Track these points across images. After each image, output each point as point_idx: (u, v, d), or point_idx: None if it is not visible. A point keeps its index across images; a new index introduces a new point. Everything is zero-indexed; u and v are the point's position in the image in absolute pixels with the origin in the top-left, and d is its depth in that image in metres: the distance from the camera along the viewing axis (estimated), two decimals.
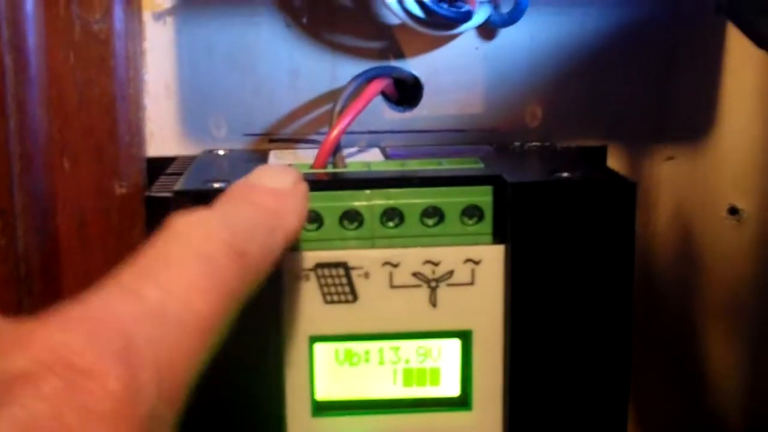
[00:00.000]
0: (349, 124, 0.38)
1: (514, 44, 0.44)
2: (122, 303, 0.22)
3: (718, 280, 0.47)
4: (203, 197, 0.33)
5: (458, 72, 0.44)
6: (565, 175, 0.35)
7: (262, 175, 0.31)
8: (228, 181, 0.34)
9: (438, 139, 0.44)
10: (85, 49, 0.41)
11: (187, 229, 0.26)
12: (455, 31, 0.42)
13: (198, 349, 0.23)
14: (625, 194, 0.35)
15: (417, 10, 0.40)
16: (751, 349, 0.47)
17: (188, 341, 0.23)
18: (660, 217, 0.47)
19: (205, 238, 0.25)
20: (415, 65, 0.44)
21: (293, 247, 0.35)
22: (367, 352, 0.37)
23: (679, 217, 0.47)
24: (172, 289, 0.23)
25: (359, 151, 0.42)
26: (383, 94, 0.43)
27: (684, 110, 0.46)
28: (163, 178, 0.38)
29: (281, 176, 0.31)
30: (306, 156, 0.41)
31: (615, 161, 0.45)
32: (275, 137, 0.44)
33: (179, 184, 0.35)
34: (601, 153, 0.44)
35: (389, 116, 0.44)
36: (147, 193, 0.35)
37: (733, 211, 0.46)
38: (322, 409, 0.37)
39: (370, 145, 0.44)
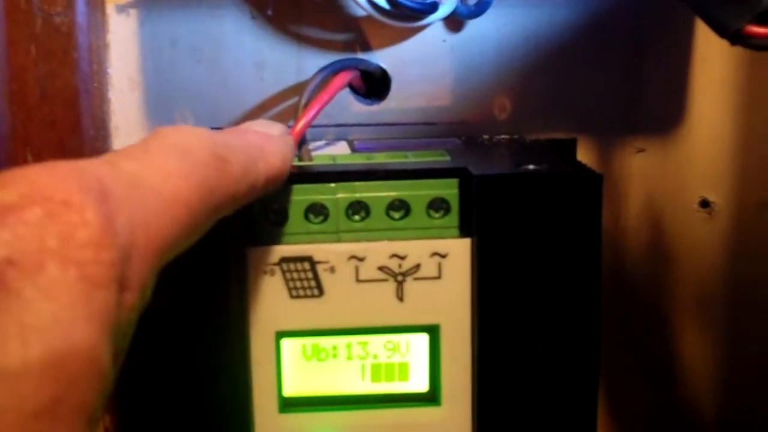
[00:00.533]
0: (314, 117, 0.37)
1: (482, 36, 0.44)
2: (102, 166, 0.22)
3: (689, 273, 0.47)
4: None
5: (426, 64, 0.44)
6: (532, 167, 0.35)
7: (251, 123, 0.34)
8: None
9: (406, 132, 0.44)
10: (47, 41, 0.40)
11: (171, 131, 0.27)
12: (422, 23, 0.41)
13: (173, 223, 0.24)
14: (591, 187, 0.35)
15: (383, 2, 0.39)
16: (723, 343, 0.47)
17: (163, 209, 0.23)
18: (631, 209, 0.47)
19: (187, 138, 0.26)
20: (382, 57, 0.43)
21: (256, 242, 0.34)
22: (334, 348, 0.36)
23: (650, 210, 0.47)
24: (150, 165, 0.24)
25: (326, 144, 0.42)
26: (351, 86, 0.42)
27: (654, 102, 0.45)
28: None
29: (269, 125, 0.33)
30: None
31: (585, 154, 0.45)
32: None
33: None
34: (570, 146, 0.43)
35: (357, 109, 0.44)
36: None
37: (704, 203, 0.46)
38: (290, 405, 0.36)
39: (338, 138, 0.43)
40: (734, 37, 0.30)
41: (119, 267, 0.21)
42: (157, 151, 0.25)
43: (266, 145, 0.31)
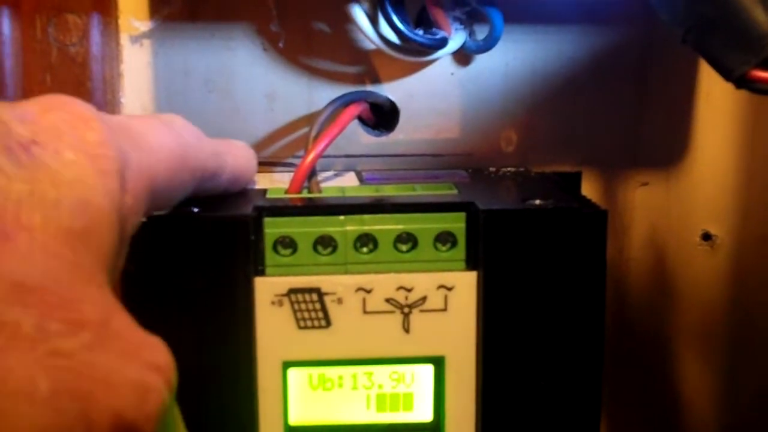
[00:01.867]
0: (324, 149, 0.38)
1: (490, 70, 0.44)
2: (105, 114, 0.26)
3: (692, 306, 0.47)
4: (180, 222, 0.34)
5: (434, 97, 0.44)
6: (538, 202, 0.36)
7: None
8: (202, 207, 0.34)
9: (414, 164, 0.45)
10: (62, 72, 0.41)
11: (161, 114, 0.33)
12: (430, 58, 0.42)
13: (159, 163, 0.28)
14: (596, 222, 0.35)
15: (392, 37, 0.40)
16: (724, 375, 0.47)
17: (151, 150, 0.27)
18: (634, 242, 0.47)
19: (172, 117, 0.32)
20: (391, 90, 0.44)
21: (265, 272, 0.35)
22: (340, 378, 0.37)
23: (653, 243, 0.47)
24: (142, 121, 0.29)
25: (335, 176, 0.43)
26: (360, 118, 0.43)
27: (658, 136, 0.46)
28: None
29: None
30: (282, 179, 0.41)
31: (590, 187, 0.45)
32: None
33: None
34: (575, 179, 0.44)
35: (365, 140, 0.44)
36: None
37: (707, 236, 0.46)
38: None
39: (346, 169, 0.44)
40: (739, 81, 0.31)
41: (120, 165, 0.24)
42: (147, 117, 0.31)
43: (233, 148, 0.36)
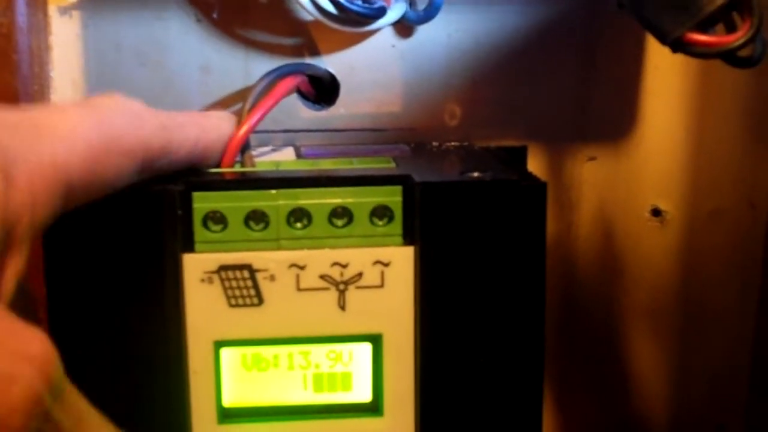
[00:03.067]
0: (257, 122, 0.37)
1: (432, 41, 0.43)
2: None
3: (641, 282, 0.47)
4: (101, 201, 0.32)
5: (375, 70, 0.43)
6: (476, 175, 0.35)
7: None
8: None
9: (355, 138, 0.44)
10: None
11: (98, 96, 0.31)
12: (370, 28, 0.41)
13: (70, 153, 0.26)
14: (535, 195, 0.34)
15: (330, 6, 0.39)
16: (673, 351, 0.47)
17: (58, 141, 0.26)
18: (582, 217, 0.46)
19: (102, 99, 0.30)
20: (331, 62, 0.43)
21: (194, 249, 0.34)
22: (276, 357, 0.36)
23: (602, 218, 0.46)
24: (53, 110, 0.28)
25: (272, 150, 0.41)
26: (299, 92, 0.42)
27: (605, 110, 0.45)
28: None
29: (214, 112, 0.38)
30: None
31: (536, 162, 0.44)
32: None
33: None
34: (521, 153, 0.43)
35: (305, 115, 0.43)
36: None
37: (656, 212, 0.46)
38: (230, 416, 0.36)
39: (286, 144, 0.43)
40: (675, 44, 0.30)
41: (1, 163, 0.23)
42: (65, 106, 0.29)
43: (202, 120, 0.35)
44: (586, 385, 0.48)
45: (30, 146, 0.25)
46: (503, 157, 0.41)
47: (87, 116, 0.28)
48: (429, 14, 0.41)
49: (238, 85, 0.42)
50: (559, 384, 0.46)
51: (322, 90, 0.43)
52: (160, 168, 0.32)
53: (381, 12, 0.39)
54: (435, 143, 0.43)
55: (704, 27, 0.30)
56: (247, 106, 0.38)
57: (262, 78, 0.39)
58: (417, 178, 0.34)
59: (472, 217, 0.34)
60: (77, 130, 0.27)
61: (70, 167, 0.26)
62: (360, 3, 0.39)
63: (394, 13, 0.40)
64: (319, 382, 0.36)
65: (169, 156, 0.32)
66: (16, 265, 0.24)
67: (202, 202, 0.34)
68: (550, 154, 0.45)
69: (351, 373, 0.36)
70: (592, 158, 0.46)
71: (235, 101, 0.42)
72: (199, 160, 0.34)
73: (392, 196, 0.35)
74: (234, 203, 0.34)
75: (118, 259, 0.33)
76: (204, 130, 0.34)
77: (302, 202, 0.34)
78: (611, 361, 0.48)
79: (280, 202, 0.34)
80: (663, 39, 0.30)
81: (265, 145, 0.42)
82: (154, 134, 0.31)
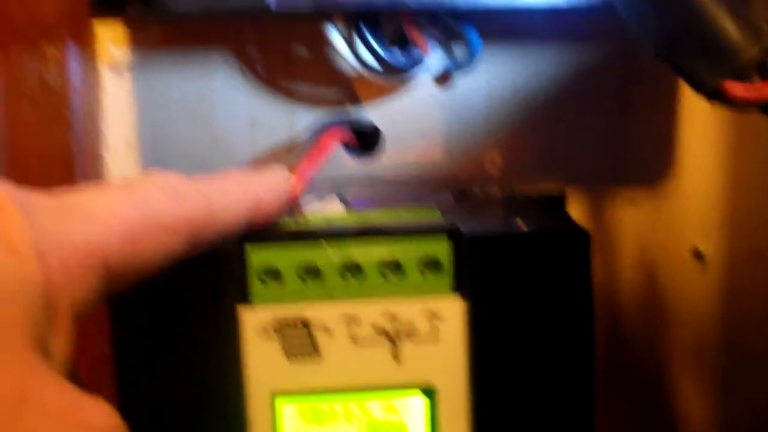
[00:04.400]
0: (307, 177, 0.38)
1: (471, 90, 0.44)
2: (38, 193, 0.26)
3: (684, 323, 0.47)
4: None
5: (417, 120, 0.44)
6: (521, 226, 0.35)
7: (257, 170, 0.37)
8: None
9: (399, 187, 0.44)
10: (42, 102, 0.40)
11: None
12: (410, 78, 0.42)
13: (107, 234, 0.26)
14: (579, 244, 0.35)
15: (370, 59, 0.40)
16: (716, 392, 0.47)
17: (95, 222, 0.26)
18: (624, 261, 0.47)
19: (139, 178, 0.30)
20: (374, 115, 0.44)
21: (250, 301, 0.35)
22: (333, 409, 0.36)
23: (643, 262, 0.47)
24: (88, 192, 0.27)
25: (318, 199, 0.42)
26: (343, 142, 0.43)
27: (642, 154, 0.46)
28: None
29: (270, 169, 0.37)
30: None
31: (576, 207, 0.45)
32: None
33: None
34: (560, 199, 0.44)
35: (349, 164, 0.44)
36: None
37: (697, 254, 0.46)
38: None
39: (331, 193, 0.44)
40: (712, 94, 0.31)
41: (38, 246, 0.23)
42: (104, 187, 0.28)
43: (257, 187, 0.34)
44: (630, 426, 0.48)
45: (63, 228, 0.25)
46: (544, 203, 0.42)
47: (123, 195, 0.28)
48: (467, 62, 0.42)
49: (284, 136, 0.43)
50: (604, 425, 0.47)
51: (366, 141, 0.43)
52: (210, 239, 0.31)
53: (419, 60, 0.40)
54: (477, 190, 0.44)
55: (740, 76, 0.30)
56: (296, 160, 0.39)
57: (308, 132, 0.40)
58: (464, 229, 0.35)
59: (519, 269, 0.35)
60: (113, 210, 0.27)
61: (106, 247, 0.26)
62: (398, 54, 0.40)
63: (433, 63, 0.41)
64: None
65: (215, 225, 0.31)
66: (63, 345, 0.25)
67: (258, 256, 0.35)
68: (589, 198, 0.46)
69: (406, 424, 0.37)
70: (632, 202, 0.46)
71: (281, 153, 0.43)
72: (255, 220, 0.34)
73: (440, 247, 0.35)
74: (288, 257, 0.35)
75: (177, 315, 0.34)
76: (251, 190, 0.34)
77: (354, 254, 0.35)
78: (655, 402, 0.48)
79: (333, 255, 0.35)
80: (699, 89, 0.31)
81: (310, 193, 0.43)
82: (194, 207, 0.30)
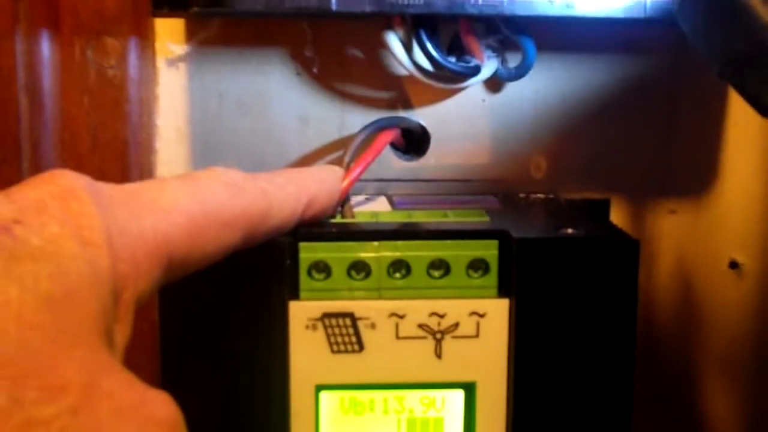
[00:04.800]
0: (358, 176, 0.38)
1: (520, 97, 0.45)
2: (106, 184, 0.27)
3: (718, 332, 0.47)
4: None
5: (465, 123, 0.45)
6: (570, 231, 0.36)
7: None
8: None
9: (444, 188, 0.45)
10: (100, 93, 0.41)
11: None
12: (462, 85, 0.42)
13: (172, 227, 0.27)
14: (628, 252, 0.36)
15: (426, 63, 0.41)
16: (751, 402, 0.47)
17: (161, 213, 0.27)
18: (662, 269, 0.47)
19: (202, 171, 0.31)
20: (422, 115, 0.44)
21: (299, 297, 0.35)
22: (371, 401, 0.37)
23: (681, 270, 0.47)
24: (152, 184, 0.29)
25: (366, 200, 0.43)
26: (391, 143, 0.43)
27: (687, 164, 0.46)
28: None
29: (325, 168, 0.38)
30: None
31: (618, 214, 0.46)
32: None
33: None
34: (604, 205, 0.44)
35: (397, 164, 0.45)
36: None
37: (734, 264, 0.46)
38: None
39: (378, 193, 0.44)
40: None
41: (107, 234, 0.24)
42: (168, 179, 0.30)
43: (305, 176, 0.35)
44: (661, 428, 0.48)
45: (132, 219, 0.26)
46: (588, 209, 0.43)
47: (187, 189, 0.29)
48: (520, 72, 0.43)
49: (334, 135, 0.44)
50: (634, 427, 0.47)
51: (414, 141, 0.44)
52: (264, 233, 0.32)
53: (476, 70, 0.41)
54: (522, 195, 0.45)
55: None
56: (347, 158, 0.39)
57: (360, 131, 0.41)
58: (513, 233, 0.36)
59: (566, 272, 0.35)
60: (178, 204, 0.28)
61: (170, 240, 0.27)
62: (455, 61, 0.41)
63: (486, 71, 0.42)
64: (412, 427, 0.37)
65: (271, 220, 0.32)
66: (123, 334, 0.25)
67: (308, 252, 0.35)
68: (632, 206, 0.46)
69: (443, 418, 0.37)
70: (673, 211, 0.47)
71: (331, 151, 0.44)
72: (307, 216, 0.35)
73: (488, 250, 0.36)
74: (337, 254, 0.36)
75: (229, 306, 0.35)
76: (306, 186, 0.35)
77: (402, 254, 0.36)
78: (689, 409, 0.48)
79: (382, 253, 0.36)
80: (763, 112, 0.31)
81: (359, 193, 0.44)
82: (253, 202, 0.31)
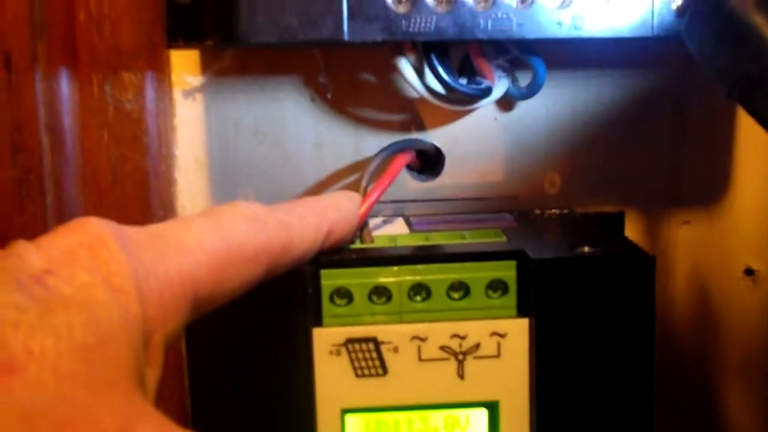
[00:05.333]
0: (376, 201, 0.39)
1: (532, 115, 0.45)
2: (131, 227, 0.27)
3: (735, 340, 0.48)
4: None
5: (478, 142, 0.45)
6: (586, 249, 0.37)
7: (332, 194, 0.38)
8: None
9: (460, 207, 0.46)
10: (119, 128, 0.42)
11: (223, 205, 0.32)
12: (475, 106, 0.43)
13: (196, 264, 0.28)
14: (644, 268, 0.36)
15: (437, 86, 0.41)
16: (765, 405, 0.48)
17: (184, 252, 0.28)
18: (677, 279, 0.48)
19: (223, 207, 0.31)
20: (436, 136, 0.45)
21: (323, 323, 0.36)
22: (396, 422, 0.38)
23: (696, 279, 0.48)
24: (176, 223, 0.29)
25: (384, 222, 0.44)
26: (406, 165, 0.44)
27: (698, 174, 0.47)
28: None
29: (343, 195, 0.38)
30: None
31: (633, 226, 0.46)
32: None
33: None
34: (618, 219, 0.45)
35: (412, 185, 0.45)
36: None
37: (749, 272, 0.47)
38: None
39: (395, 214, 0.45)
40: None
41: (136, 280, 0.25)
42: (191, 217, 0.30)
43: (323, 204, 0.36)
44: None
45: (158, 261, 0.26)
46: (602, 224, 0.43)
47: (210, 227, 0.29)
48: (531, 91, 0.43)
49: (350, 159, 0.45)
50: None
51: (428, 162, 0.45)
52: (287, 265, 0.33)
53: (487, 92, 0.42)
54: (537, 211, 0.45)
55: None
56: (364, 182, 0.40)
57: (375, 155, 0.41)
58: (530, 253, 0.36)
59: (584, 291, 0.36)
60: (202, 243, 0.28)
61: (196, 279, 0.28)
62: (467, 83, 0.42)
63: (498, 91, 0.43)
64: None
65: (293, 252, 0.33)
66: (154, 376, 0.26)
67: (330, 279, 0.36)
68: (646, 218, 0.47)
69: None
70: (687, 222, 0.47)
71: (347, 175, 0.45)
72: (327, 244, 0.35)
73: (507, 271, 0.37)
74: (359, 279, 0.36)
75: (254, 335, 0.36)
76: (325, 215, 0.35)
77: (422, 277, 0.36)
78: (710, 418, 0.49)
79: (402, 278, 0.36)
80: None
81: (376, 215, 0.45)
82: (275, 235, 0.31)
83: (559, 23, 0.38)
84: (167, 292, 0.26)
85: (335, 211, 0.36)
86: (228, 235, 0.29)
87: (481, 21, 0.38)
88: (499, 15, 0.38)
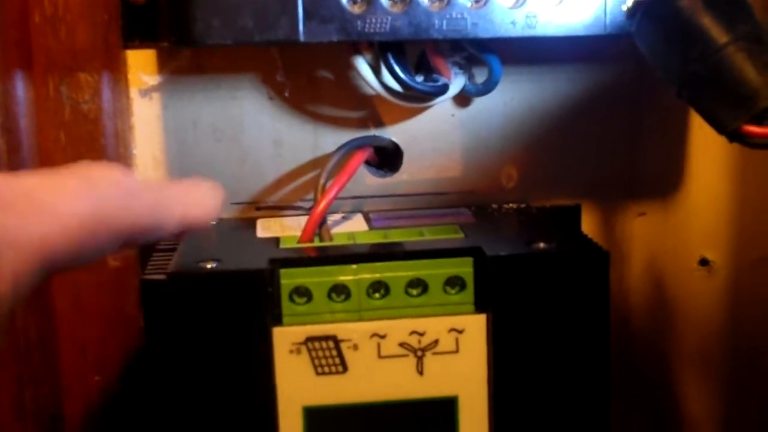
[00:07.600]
0: (334, 198, 0.39)
1: (489, 110, 0.46)
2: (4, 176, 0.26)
3: (690, 329, 0.49)
4: (197, 281, 0.35)
5: (436, 138, 0.46)
6: (542, 245, 0.37)
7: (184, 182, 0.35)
8: (219, 261, 0.36)
9: (418, 203, 0.46)
10: (75, 128, 0.42)
11: (90, 164, 0.30)
12: (432, 103, 0.43)
13: (63, 232, 0.26)
14: (598, 263, 0.37)
15: (395, 85, 0.41)
16: (722, 396, 0.49)
17: (54, 219, 0.26)
18: (633, 270, 0.49)
19: (98, 171, 0.29)
20: (394, 132, 0.45)
21: (282, 322, 0.36)
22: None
23: (652, 270, 0.49)
24: (50, 183, 0.27)
25: (343, 219, 0.44)
26: (365, 160, 0.44)
27: (653, 167, 0.47)
28: (156, 256, 0.39)
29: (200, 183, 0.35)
30: (292, 225, 0.42)
31: (589, 219, 0.47)
32: (261, 205, 0.45)
33: (172, 265, 0.37)
34: (575, 212, 0.46)
35: (371, 182, 0.46)
36: (142, 277, 0.36)
37: (704, 262, 0.48)
38: None
39: (353, 210, 0.45)
40: (732, 135, 0.32)
41: None
42: (66, 177, 0.28)
43: (189, 195, 0.33)
44: (637, 429, 0.50)
45: (22, 226, 0.25)
46: (559, 217, 0.44)
47: (83, 193, 0.28)
48: (487, 88, 0.44)
49: (308, 156, 0.45)
50: (612, 428, 0.48)
51: (387, 158, 0.45)
52: (142, 243, 0.32)
53: (444, 89, 0.42)
54: (494, 205, 0.46)
55: (759, 120, 0.32)
56: (323, 179, 0.40)
57: (333, 152, 0.42)
58: (487, 249, 0.37)
59: (540, 286, 0.36)
60: (72, 209, 0.27)
61: (56, 246, 0.26)
62: (423, 81, 0.42)
63: (454, 88, 0.43)
64: None
65: (152, 234, 0.31)
66: None
67: (289, 278, 0.36)
68: (602, 211, 0.47)
69: None
70: (642, 214, 0.48)
71: (306, 172, 0.45)
72: (183, 230, 0.33)
73: (464, 267, 0.37)
74: (318, 278, 0.37)
75: (213, 335, 0.36)
76: (186, 202, 0.33)
77: (380, 275, 0.37)
78: (667, 407, 0.50)
79: (361, 275, 0.37)
80: (720, 129, 0.33)
81: (335, 212, 0.45)
82: (144, 214, 0.30)
83: (513, 22, 0.38)
84: (22, 263, 0.25)
85: (197, 200, 0.34)
86: (99, 204, 0.28)
87: (436, 21, 0.38)
88: (454, 15, 0.38)
